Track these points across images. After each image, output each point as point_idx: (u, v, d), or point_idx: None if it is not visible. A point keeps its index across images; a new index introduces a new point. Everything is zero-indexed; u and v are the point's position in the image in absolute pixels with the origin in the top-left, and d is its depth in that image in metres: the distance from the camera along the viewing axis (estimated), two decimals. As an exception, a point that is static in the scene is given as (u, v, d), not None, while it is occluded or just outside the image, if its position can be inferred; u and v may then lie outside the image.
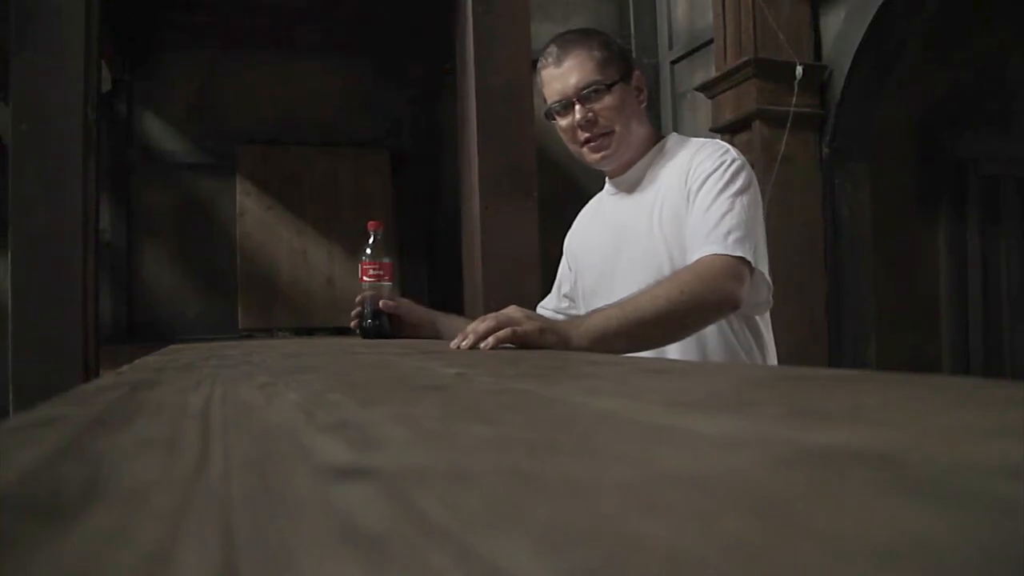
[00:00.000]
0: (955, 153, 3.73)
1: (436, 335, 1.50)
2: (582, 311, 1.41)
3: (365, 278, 1.51)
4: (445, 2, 2.39)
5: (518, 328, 0.98)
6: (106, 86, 3.59)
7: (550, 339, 1.00)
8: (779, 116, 3.08)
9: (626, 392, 0.46)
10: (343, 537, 0.16)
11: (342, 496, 0.20)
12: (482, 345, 0.96)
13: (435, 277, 4.33)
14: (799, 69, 3.05)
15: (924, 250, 3.71)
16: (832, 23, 3.18)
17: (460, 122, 2.26)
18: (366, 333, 1.49)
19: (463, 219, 2.22)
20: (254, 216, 4.07)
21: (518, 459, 0.25)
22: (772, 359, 1.31)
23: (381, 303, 1.48)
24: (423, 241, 4.40)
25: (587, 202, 1.51)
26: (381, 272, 1.50)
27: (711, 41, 3.50)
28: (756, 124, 3.12)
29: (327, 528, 0.17)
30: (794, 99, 3.06)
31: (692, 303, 1.10)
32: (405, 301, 1.53)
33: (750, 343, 1.26)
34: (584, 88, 1.27)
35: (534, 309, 1.53)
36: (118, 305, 3.95)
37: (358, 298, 1.51)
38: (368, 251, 1.51)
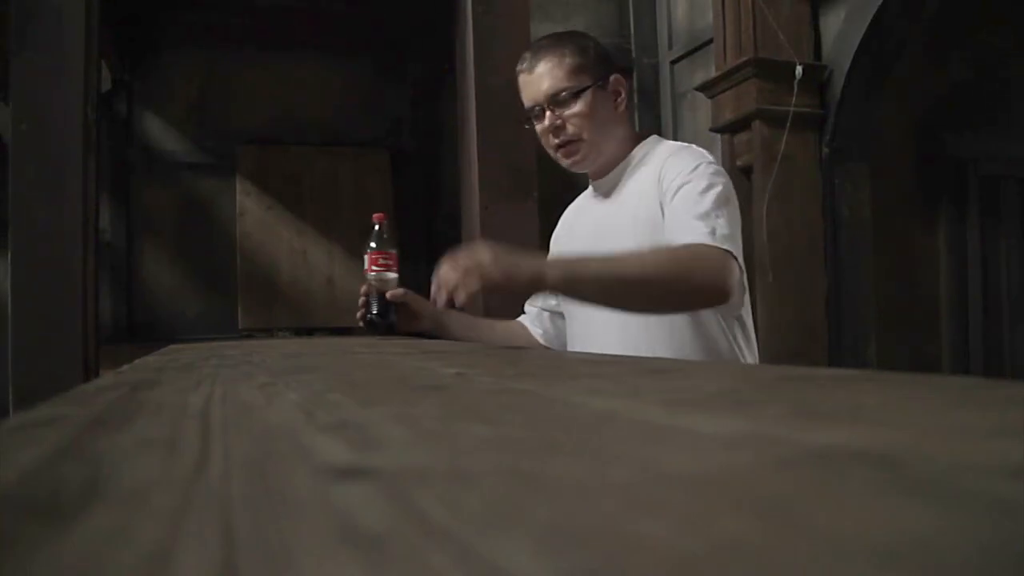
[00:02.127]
0: (955, 153, 3.72)
1: (438, 325, 1.45)
2: (571, 308, 1.41)
3: (373, 268, 1.42)
4: (445, 2, 2.39)
5: (487, 282, 1.04)
6: (106, 86, 3.59)
7: (520, 283, 1.07)
8: (779, 116, 3.08)
9: (626, 392, 0.46)
10: (343, 537, 0.16)
11: (342, 496, 0.20)
12: (458, 302, 1.04)
13: (435, 277, 4.32)
14: (799, 69, 3.05)
15: (924, 250, 3.71)
16: (832, 23, 3.18)
17: (460, 122, 2.26)
18: (373, 327, 1.42)
19: (463, 219, 2.22)
20: (254, 216, 4.06)
21: (518, 459, 0.25)
22: (755, 352, 1.32)
23: (389, 294, 1.41)
24: (423, 241, 4.39)
25: None
26: (389, 262, 1.43)
27: (711, 41, 3.50)
28: (756, 124, 3.11)
29: (327, 528, 0.17)
30: (794, 99, 3.06)
31: (680, 278, 1.10)
32: (410, 292, 1.46)
33: (736, 334, 1.27)
34: (553, 94, 1.27)
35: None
36: (118, 305, 3.95)
37: (363, 288, 1.44)
38: (373, 243, 1.44)
